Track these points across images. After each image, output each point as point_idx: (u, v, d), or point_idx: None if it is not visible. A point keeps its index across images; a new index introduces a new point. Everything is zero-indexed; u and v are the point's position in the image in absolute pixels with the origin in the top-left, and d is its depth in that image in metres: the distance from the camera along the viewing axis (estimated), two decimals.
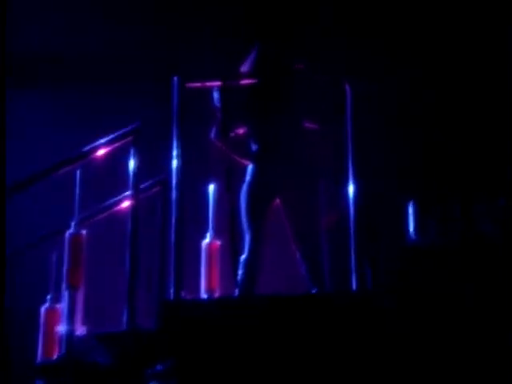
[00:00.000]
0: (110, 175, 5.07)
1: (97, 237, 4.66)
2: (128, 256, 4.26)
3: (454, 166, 5.67)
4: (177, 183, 4.29)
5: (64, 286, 4.33)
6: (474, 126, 5.78)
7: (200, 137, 4.87)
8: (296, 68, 4.78)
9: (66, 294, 4.29)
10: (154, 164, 4.66)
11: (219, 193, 5.04)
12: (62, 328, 4.21)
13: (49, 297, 4.53)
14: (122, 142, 4.53)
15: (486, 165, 5.54)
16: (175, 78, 4.34)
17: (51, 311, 4.42)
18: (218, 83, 4.64)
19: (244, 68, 4.80)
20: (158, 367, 4.01)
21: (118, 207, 4.77)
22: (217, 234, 5.00)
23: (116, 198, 4.81)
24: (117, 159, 4.60)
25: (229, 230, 4.63)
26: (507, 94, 4.79)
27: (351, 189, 4.26)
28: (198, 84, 4.58)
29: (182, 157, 4.32)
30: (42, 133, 6.50)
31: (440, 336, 3.78)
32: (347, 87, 4.35)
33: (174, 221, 4.24)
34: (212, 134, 4.77)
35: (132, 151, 4.43)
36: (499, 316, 3.76)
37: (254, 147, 4.76)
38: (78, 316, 4.26)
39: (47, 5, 6.26)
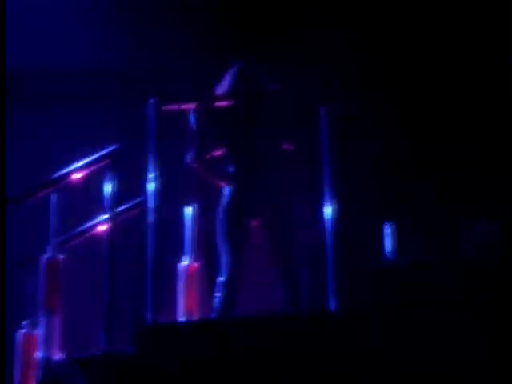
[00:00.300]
0: (87, 199, 5.04)
1: (74, 261, 4.64)
2: (105, 280, 4.24)
3: (434, 186, 5.70)
4: (154, 206, 4.29)
5: (41, 311, 4.30)
6: (456, 144, 5.81)
7: (177, 159, 4.87)
8: (272, 90, 4.79)
9: (42, 320, 4.26)
10: (131, 187, 4.65)
11: (197, 215, 5.04)
12: (39, 354, 4.18)
13: (25, 323, 4.49)
14: (99, 165, 4.52)
15: (470, 187, 5.56)
16: (151, 101, 4.35)
17: (28, 337, 4.37)
18: (194, 105, 4.65)
19: (220, 90, 4.82)
20: None
21: (95, 231, 4.74)
22: (195, 256, 5.00)
23: (93, 222, 4.79)
24: (94, 182, 4.59)
25: (204, 253, 4.63)
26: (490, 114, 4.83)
27: (328, 209, 4.28)
28: (175, 106, 4.58)
29: (159, 179, 4.32)
30: (14, 154, 6.45)
31: (419, 353, 3.78)
32: (322, 109, 4.38)
33: (150, 243, 4.23)
34: (188, 157, 4.76)
35: (109, 174, 4.41)
36: (478, 333, 3.77)
37: (230, 169, 4.76)
38: (56, 341, 4.23)
39: (21, 22, 6.25)
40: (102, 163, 4.48)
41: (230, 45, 5.01)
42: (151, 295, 4.15)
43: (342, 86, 5.28)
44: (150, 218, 4.27)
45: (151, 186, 4.32)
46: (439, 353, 3.76)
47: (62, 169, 4.58)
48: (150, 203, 4.30)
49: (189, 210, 5.11)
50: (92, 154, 4.54)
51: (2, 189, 4.22)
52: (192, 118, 4.74)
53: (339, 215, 4.26)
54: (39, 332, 4.30)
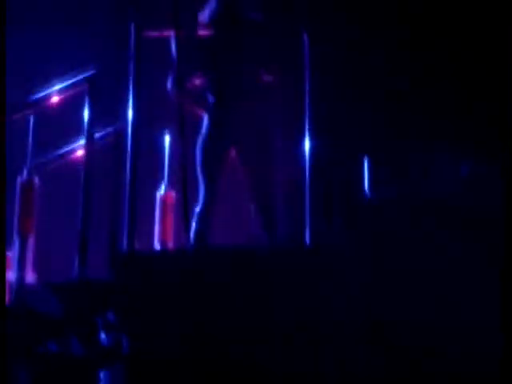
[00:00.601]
0: (65, 123, 4.99)
1: (49, 185, 4.62)
2: (81, 206, 4.22)
3: (414, 120, 5.63)
4: (132, 133, 4.24)
5: (15, 233, 4.29)
6: (435, 75, 5.72)
7: (156, 87, 4.82)
8: (254, 18, 4.73)
9: (16, 242, 4.25)
10: (109, 114, 4.61)
11: (175, 144, 5.01)
12: (11, 276, 4.18)
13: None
14: (77, 89, 4.46)
15: (450, 121, 5.50)
16: (132, 26, 4.27)
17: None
18: (175, 33, 4.58)
19: (202, 17, 4.74)
20: (109, 317, 4.00)
21: (72, 156, 4.71)
22: (172, 185, 4.99)
23: (70, 147, 4.75)
24: (71, 107, 4.54)
25: (181, 181, 4.59)
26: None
27: (307, 143, 4.26)
28: (155, 33, 4.52)
29: (138, 107, 4.27)
30: None
31: (391, 289, 3.81)
32: (305, 37, 4.32)
33: (128, 171, 4.20)
34: (168, 84, 4.70)
35: (87, 99, 4.36)
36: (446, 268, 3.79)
37: (210, 98, 4.72)
38: (29, 264, 4.23)
39: None
40: (81, 87, 4.42)
41: None
42: (127, 223, 4.14)
43: (328, 11, 5.17)
44: (128, 145, 4.23)
45: (130, 113, 4.26)
46: (410, 291, 3.79)
47: (40, 91, 4.52)
48: (129, 130, 4.25)
49: (167, 139, 5.09)
50: (71, 77, 4.48)
51: None
52: (173, 45, 4.67)
53: (317, 150, 4.24)
54: (13, 254, 4.30)
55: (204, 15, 4.75)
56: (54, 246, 5.06)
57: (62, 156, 4.78)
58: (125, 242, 4.09)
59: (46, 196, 4.54)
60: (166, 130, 5.11)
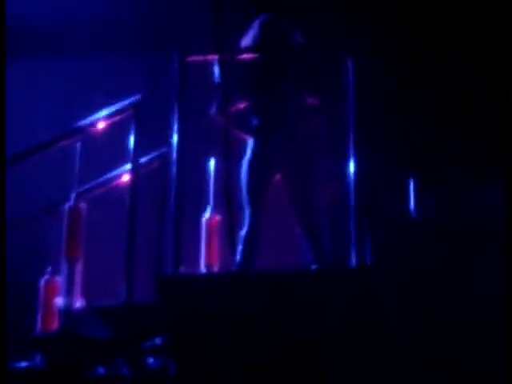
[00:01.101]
0: (111, 149, 5.05)
1: (96, 211, 4.67)
2: (127, 230, 4.26)
3: (457, 145, 5.62)
4: (177, 158, 4.28)
5: (63, 258, 4.34)
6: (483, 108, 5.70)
7: (201, 112, 4.86)
8: (298, 43, 4.75)
9: (65, 267, 4.30)
10: (154, 139, 4.66)
11: (220, 168, 5.03)
12: (60, 301, 4.22)
13: (48, 269, 4.53)
14: (123, 115, 4.52)
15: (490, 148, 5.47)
16: (175, 52, 4.33)
17: (50, 284, 4.42)
18: (219, 57, 4.62)
19: (245, 42, 4.78)
20: (156, 341, 4.02)
21: (118, 181, 4.76)
22: (217, 209, 5.01)
23: (116, 173, 4.80)
24: (117, 133, 4.59)
25: (226, 205, 4.61)
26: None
27: (352, 165, 4.26)
28: (199, 58, 4.55)
29: (183, 131, 4.31)
30: (42, 106, 6.48)
31: (439, 311, 3.78)
32: (349, 62, 4.33)
33: (173, 195, 4.24)
34: (213, 109, 4.74)
35: (132, 125, 4.41)
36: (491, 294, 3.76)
37: (254, 122, 4.74)
38: (77, 289, 4.27)
39: None
40: (126, 113, 4.47)
41: None
42: (173, 246, 4.17)
43: (369, 38, 5.18)
44: (173, 169, 4.27)
45: (175, 138, 4.30)
46: (455, 310, 3.76)
47: (87, 118, 4.59)
48: (174, 155, 4.29)
49: (212, 163, 5.12)
50: (117, 104, 4.54)
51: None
52: (217, 70, 4.71)
53: (362, 170, 4.24)
54: (61, 279, 4.34)
55: (247, 39, 4.78)
56: (102, 271, 5.11)
57: (108, 181, 4.83)
58: (170, 265, 4.12)
59: (94, 222, 4.59)
60: (211, 154, 5.13)
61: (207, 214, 4.92)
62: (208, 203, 5.00)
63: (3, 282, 3.81)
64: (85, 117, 4.57)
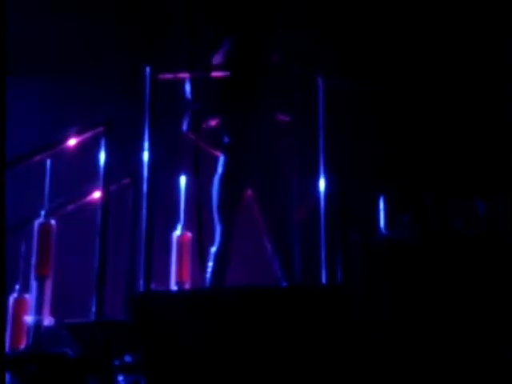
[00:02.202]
0: (81, 166, 5.04)
1: (66, 227, 4.64)
2: (97, 247, 4.24)
3: (429, 161, 5.65)
4: (147, 175, 4.27)
5: (32, 275, 4.31)
6: (452, 122, 5.75)
7: (171, 129, 4.86)
8: (270, 60, 4.77)
9: (34, 284, 4.27)
10: (124, 156, 4.65)
11: (190, 185, 5.03)
12: (29, 318, 4.19)
13: (17, 287, 4.50)
14: (93, 132, 4.51)
15: (464, 162, 5.51)
16: (147, 69, 4.33)
17: (19, 301, 4.39)
18: (190, 75, 4.63)
19: (216, 59, 4.79)
20: (127, 358, 4.00)
21: (88, 198, 4.74)
22: (188, 226, 5.00)
23: (87, 189, 4.79)
24: (87, 150, 4.58)
25: (196, 222, 4.60)
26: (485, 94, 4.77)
27: (322, 183, 4.28)
28: (170, 76, 4.56)
29: (153, 149, 4.30)
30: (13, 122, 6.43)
31: (409, 328, 3.80)
32: (320, 81, 4.36)
33: (144, 212, 4.23)
34: (184, 126, 4.75)
35: (103, 142, 4.40)
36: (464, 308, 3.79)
37: (225, 139, 4.75)
38: (46, 306, 4.24)
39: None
40: (97, 130, 4.47)
41: (230, 13, 4.96)
42: (144, 263, 4.15)
43: (341, 59, 5.23)
44: (144, 186, 4.26)
45: (145, 155, 4.30)
46: (429, 327, 3.78)
47: (57, 135, 4.58)
48: (144, 172, 4.28)
49: (183, 180, 5.12)
50: (87, 121, 4.54)
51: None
52: (188, 88, 4.72)
53: (333, 188, 4.26)
54: (30, 296, 4.31)
55: (218, 57, 4.80)
56: (72, 288, 5.08)
57: (79, 198, 4.81)
58: (141, 282, 4.10)
59: (63, 238, 4.57)
60: (183, 171, 5.13)
61: (178, 231, 4.91)
62: (179, 220, 4.99)
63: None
64: (56, 133, 4.57)
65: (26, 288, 4.45)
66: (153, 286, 4.16)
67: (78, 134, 4.52)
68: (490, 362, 3.66)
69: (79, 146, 4.57)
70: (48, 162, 4.50)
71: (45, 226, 4.40)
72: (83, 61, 6.40)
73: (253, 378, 3.75)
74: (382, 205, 4.83)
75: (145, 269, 4.11)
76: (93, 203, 4.61)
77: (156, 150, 4.31)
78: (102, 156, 4.37)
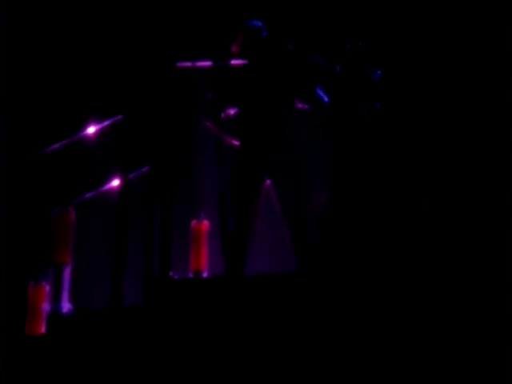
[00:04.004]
0: (101, 155, 5.07)
1: (87, 215, 4.69)
2: (116, 234, 4.28)
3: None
4: (167, 162, 4.30)
5: (52, 262, 4.36)
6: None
7: (191, 117, 4.88)
8: (287, 48, 4.76)
9: (53, 271, 4.32)
10: (143, 144, 4.67)
11: (210, 174, 5.04)
12: (48, 305, 4.24)
13: (37, 274, 4.55)
14: (113, 121, 4.55)
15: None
16: (166, 58, 4.35)
17: (38, 288, 4.43)
18: (209, 63, 4.64)
19: (234, 48, 4.79)
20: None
21: (107, 186, 4.78)
22: (207, 214, 5.02)
23: (105, 178, 4.82)
24: (107, 140, 4.62)
25: (219, 210, 4.61)
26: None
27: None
28: (189, 64, 4.57)
29: (172, 138, 4.33)
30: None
31: None
32: (338, 69, 4.36)
33: (162, 200, 4.26)
34: (203, 115, 4.76)
35: (124, 131, 4.44)
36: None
37: (244, 128, 4.75)
38: (65, 293, 4.29)
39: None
40: (117, 119, 4.51)
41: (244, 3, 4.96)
42: (160, 251, 4.19)
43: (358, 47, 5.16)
44: (164, 175, 4.29)
45: (165, 143, 4.32)
46: None
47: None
48: (163, 160, 4.31)
49: (203, 168, 5.14)
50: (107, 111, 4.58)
51: None
52: (208, 77, 4.73)
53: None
54: (49, 283, 4.36)
55: (236, 47, 4.79)
56: (91, 274, 5.12)
57: (97, 186, 4.85)
58: (158, 270, 4.14)
59: (83, 226, 4.62)
60: (202, 160, 5.16)
61: (197, 219, 4.93)
62: (197, 208, 5.01)
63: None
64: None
65: (45, 275, 4.49)
66: (170, 273, 4.19)
67: (98, 123, 4.57)
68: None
69: (99, 135, 4.62)
70: (68, 151, 4.55)
71: (65, 214, 4.45)
72: (101, 49, 6.39)
73: (269, 364, 3.77)
74: None
75: (161, 256, 4.15)
76: (111, 191, 4.65)
77: (175, 138, 4.33)
78: (122, 144, 4.41)
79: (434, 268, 3.81)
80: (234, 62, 4.74)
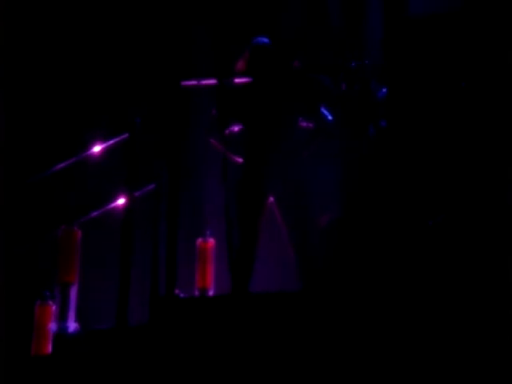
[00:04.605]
0: (106, 174, 5.08)
1: (92, 234, 4.69)
2: (122, 253, 4.26)
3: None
4: (172, 180, 4.29)
5: (58, 282, 4.36)
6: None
7: (196, 134, 4.89)
8: (292, 66, 4.77)
9: (59, 291, 4.32)
10: (149, 162, 4.67)
11: (215, 191, 5.04)
12: (54, 324, 4.24)
13: (43, 293, 4.55)
14: (118, 139, 4.55)
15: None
16: (171, 76, 4.35)
17: (44, 307, 4.43)
18: (214, 81, 4.65)
19: (239, 66, 4.80)
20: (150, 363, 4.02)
21: (113, 204, 4.78)
22: (213, 231, 5.01)
23: (111, 196, 4.82)
24: (113, 158, 4.62)
25: (226, 227, 4.60)
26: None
27: None
28: (194, 82, 4.58)
29: (178, 154, 4.32)
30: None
31: None
32: (343, 86, 4.36)
33: (168, 218, 4.24)
34: (207, 132, 4.77)
35: (128, 149, 4.43)
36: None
37: (248, 145, 4.76)
38: (71, 313, 4.28)
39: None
40: (121, 137, 4.51)
41: (249, 20, 4.97)
42: (166, 269, 4.17)
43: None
44: (168, 192, 4.28)
45: (170, 161, 4.31)
46: None
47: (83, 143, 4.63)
48: (168, 178, 4.30)
49: (209, 186, 5.14)
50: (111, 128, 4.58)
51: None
52: (214, 94, 4.73)
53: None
54: (55, 303, 4.36)
55: (241, 64, 4.80)
56: (97, 294, 5.12)
57: (103, 204, 4.85)
58: (164, 288, 4.12)
59: (89, 245, 4.61)
60: (208, 177, 5.16)
61: (203, 237, 4.93)
62: (203, 226, 5.01)
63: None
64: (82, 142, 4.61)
65: (51, 295, 4.49)
66: (176, 291, 4.18)
67: (103, 140, 4.57)
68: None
69: (104, 153, 4.62)
70: (72, 170, 4.55)
71: (70, 233, 4.44)
72: (105, 65, 6.38)
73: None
74: None
75: (167, 274, 4.13)
76: (117, 210, 4.65)
77: (180, 155, 4.32)
78: (127, 163, 4.40)
79: (438, 284, 3.81)
80: (238, 79, 4.76)
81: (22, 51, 5.05)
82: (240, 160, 4.75)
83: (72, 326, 4.24)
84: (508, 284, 3.65)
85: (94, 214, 4.80)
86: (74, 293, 4.32)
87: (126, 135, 4.48)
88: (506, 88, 4.15)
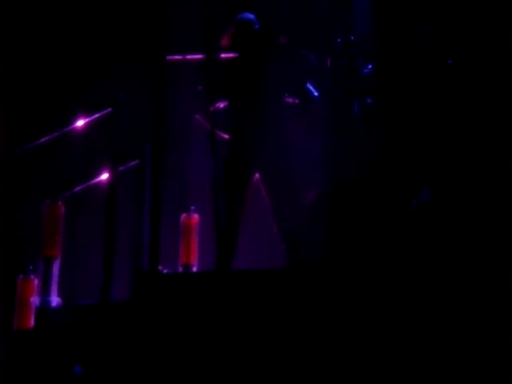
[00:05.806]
0: (90, 148, 5.05)
1: (76, 208, 4.67)
2: (105, 227, 4.25)
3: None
4: (156, 155, 4.27)
5: (41, 256, 4.34)
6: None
7: (181, 110, 4.86)
8: (278, 42, 4.74)
9: (42, 265, 4.30)
10: (133, 137, 4.65)
11: (200, 166, 5.03)
12: (37, 299, 4.23)
13: (26, 267, 4.53)
14: (102, 113, 4.52)
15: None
16: (156, 50, 4.31)
17: (27, 282, 4.42)
18: (199, 57, 4.62)
19: (224, 42, 4.77)
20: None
21: (97, 179, 4.76)
22: (197, 207, 5.00)
23: (95, 171, 4.80)
24: (97, 133, 4.59)
25: (213, 203, 4.58)
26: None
27: None
28: (179, 57, 4.55)
29: (163, 129, 4.30)
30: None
31: None
32: (329, 62, 4.34)
33: (152, 192, 4.23)
34: (192, 108, 4.74)
35: (111, 123, 4.40)
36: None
37: (233, 121, 4.74)
38: (54, 287, 4.27)
39: None
40: (105, 112, 4.48)
41: None
42: (150, 245, 4.16)
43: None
44: (152, 167, 4.26)
45: (154, 136, 4.29)
46: None
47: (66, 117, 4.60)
48: (153, 153, 4.28)
49: (194, 162, 5.13)
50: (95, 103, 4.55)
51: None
52: (200, 69, 4.71)
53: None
54: (38, 277, 4.35)
55: (226, 40, 4.77)
56: (80, 269, 5.11)
57: (87, 179, 4.83)
58: (147, 264, 4.11)
59: (72, 219, 4.59)
60: (192, 154, 5.14)
61: (187, 212, 4.91)
62: (188, 202, 5.00)
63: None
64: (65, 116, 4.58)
65: (34, 269, 4.47)
66: (159, 267, 4.17)
67: (87, 114, 4.54)
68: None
69: (88, 127, 4.59)
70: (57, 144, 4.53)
71: (54, 207, 4.42)
72: (91, 42, 6.33)
73: (259, 359, 3.76)
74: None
75: (151, 250, 4.12)
76: (101, 185, 4.63)
77: (165, 131, 4.30)
78: (110, 137, 4.38)
79: (429, 267, 3.81)
80: (224, 55, 4.73)
81: (4, 25, 4.99)
82: (226, 136, 4.73)
83: (55, 300, 4.23)
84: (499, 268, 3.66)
85: (78, 188, 4.78)
86: (56, 267, 4.30)
87: (109, 110, 4.45)
88: (493, 62, 4.14)
